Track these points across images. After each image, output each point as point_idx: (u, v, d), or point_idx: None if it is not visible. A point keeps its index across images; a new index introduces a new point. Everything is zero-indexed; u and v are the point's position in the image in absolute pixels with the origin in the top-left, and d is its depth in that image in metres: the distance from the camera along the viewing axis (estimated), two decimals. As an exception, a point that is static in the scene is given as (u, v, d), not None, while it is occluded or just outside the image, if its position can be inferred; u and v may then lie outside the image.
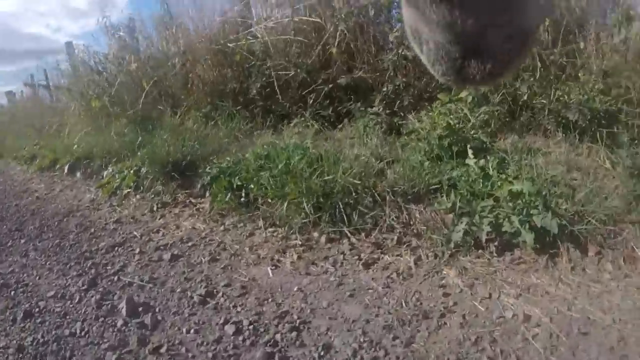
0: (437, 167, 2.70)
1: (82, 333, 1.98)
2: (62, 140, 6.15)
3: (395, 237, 2.29)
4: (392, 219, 2.36)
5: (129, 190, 4.04)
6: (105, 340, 1.90)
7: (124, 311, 2.08)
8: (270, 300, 2.05)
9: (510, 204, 2.19)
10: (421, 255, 2.17)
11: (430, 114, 3.14)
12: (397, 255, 2.19)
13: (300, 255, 2.32)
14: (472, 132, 3.01)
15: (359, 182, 2.47)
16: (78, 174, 5.25)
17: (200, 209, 3.26)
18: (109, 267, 2.62)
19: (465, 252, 2.13)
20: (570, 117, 2.94)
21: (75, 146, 5.55)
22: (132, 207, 3.70)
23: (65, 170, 5.49)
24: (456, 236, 2.14)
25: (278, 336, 1.81)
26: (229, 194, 2.97)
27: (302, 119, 3.85)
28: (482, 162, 2.64)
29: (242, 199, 2.91)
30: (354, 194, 2.47)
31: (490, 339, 1.63)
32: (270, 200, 2.72)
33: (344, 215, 2.39)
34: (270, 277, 2.22)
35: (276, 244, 2.47)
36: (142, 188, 3.97)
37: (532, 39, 0.38)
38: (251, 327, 1.90)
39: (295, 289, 2.08)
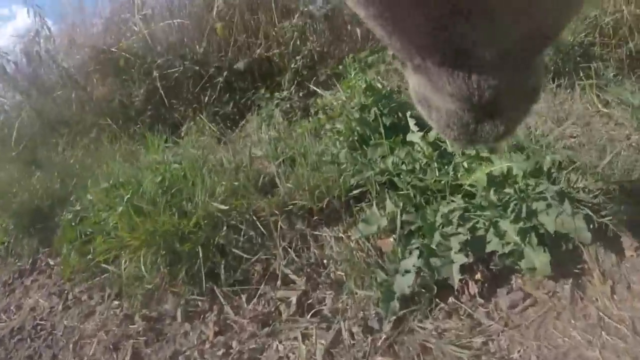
0: (360, 156, 1.78)
1: None
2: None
3: (294, 298, 1.33)
4: (289, 262, 1.42)
5: (-4, 255, 3.08)
6: None
7: None
8: None
9: (495, 199, 1.26)
10: (341, 330, 1.20)
11: (345, 78, 2.19)
12: (294, 339, 1.23)
13: (137, 351, 1.39)
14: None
15: (225, 207, 1.53)
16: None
17: (54, 274, 2.32)
18: None
19: (423, 311, 1.18)
20: None
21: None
22: (-12, 282, 2.75)
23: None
24: (402, 284, 1.16)
25: None
26: (73, 250, 2.04)
27: (192, 123, 2.91)
28: (432, 134, 1.68)
29: (90, 256, 1.97)
30: (224, 227, 1.54)
31: None
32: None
33: (204, 269, 1.46)
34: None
35: (112, 331, 1.54)
36: (10, 250, 3.02)
37: (540, 93, 0.36)
38: None
39: None
